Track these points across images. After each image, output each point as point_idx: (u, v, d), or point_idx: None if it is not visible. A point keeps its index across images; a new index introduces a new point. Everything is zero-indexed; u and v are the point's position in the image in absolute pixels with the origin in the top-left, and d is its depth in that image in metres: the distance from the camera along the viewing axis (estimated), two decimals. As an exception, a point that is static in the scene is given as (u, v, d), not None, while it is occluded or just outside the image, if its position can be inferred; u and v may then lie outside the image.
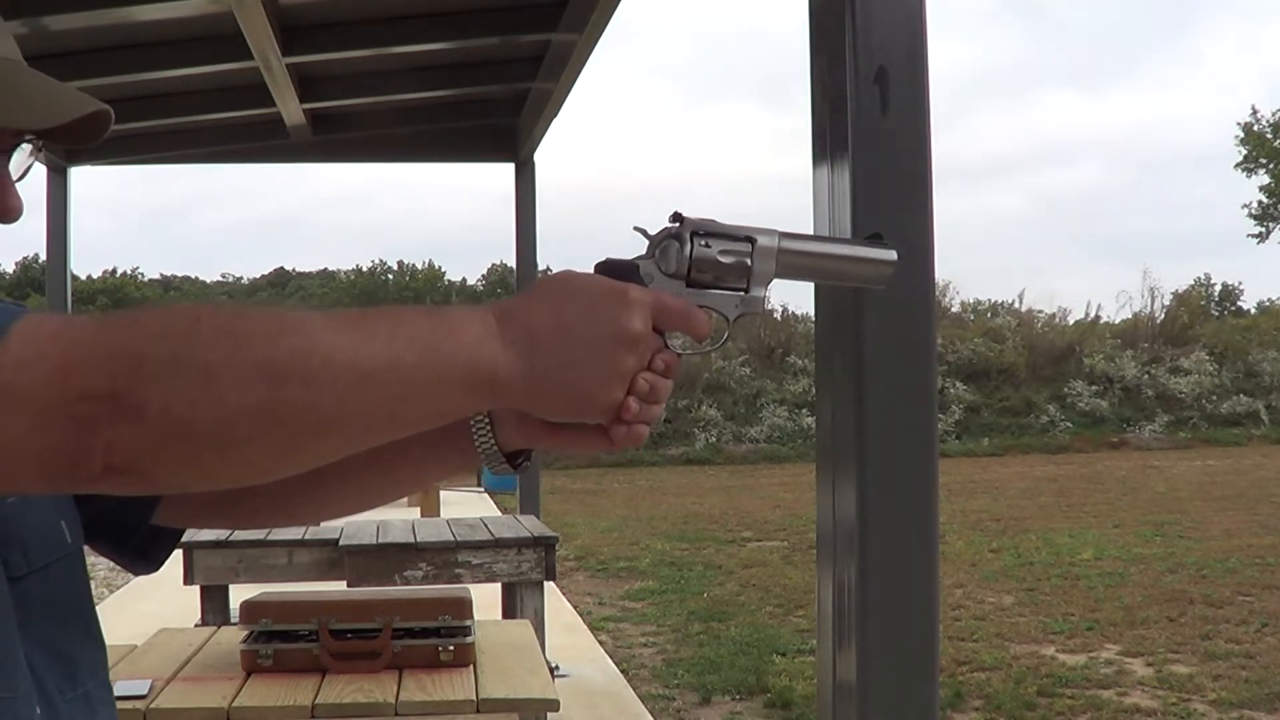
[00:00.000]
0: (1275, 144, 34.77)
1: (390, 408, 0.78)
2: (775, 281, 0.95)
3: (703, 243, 0.91)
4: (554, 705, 2.91)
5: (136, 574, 1.09)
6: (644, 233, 0.92)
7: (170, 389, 0.71)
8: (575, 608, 8.20)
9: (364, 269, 41.84)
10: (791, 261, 0.93)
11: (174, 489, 0.89)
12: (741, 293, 0.93)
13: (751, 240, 0.92)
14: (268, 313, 0.76)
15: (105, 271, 39.33)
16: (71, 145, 1.03)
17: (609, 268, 0.90)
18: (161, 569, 1.14)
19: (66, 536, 1.00)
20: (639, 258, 0.92)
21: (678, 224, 0.92)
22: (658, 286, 0.90)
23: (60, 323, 0.74)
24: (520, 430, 0.97)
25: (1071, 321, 28.65)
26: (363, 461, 0.87)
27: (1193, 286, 35.09)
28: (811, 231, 1.58)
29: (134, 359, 0.71)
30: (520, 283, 7.35)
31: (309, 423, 0.75)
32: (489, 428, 0.97)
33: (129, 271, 40.64)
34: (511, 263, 7.67)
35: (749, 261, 0.92)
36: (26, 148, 0.99)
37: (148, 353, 0.72)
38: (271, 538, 4.82)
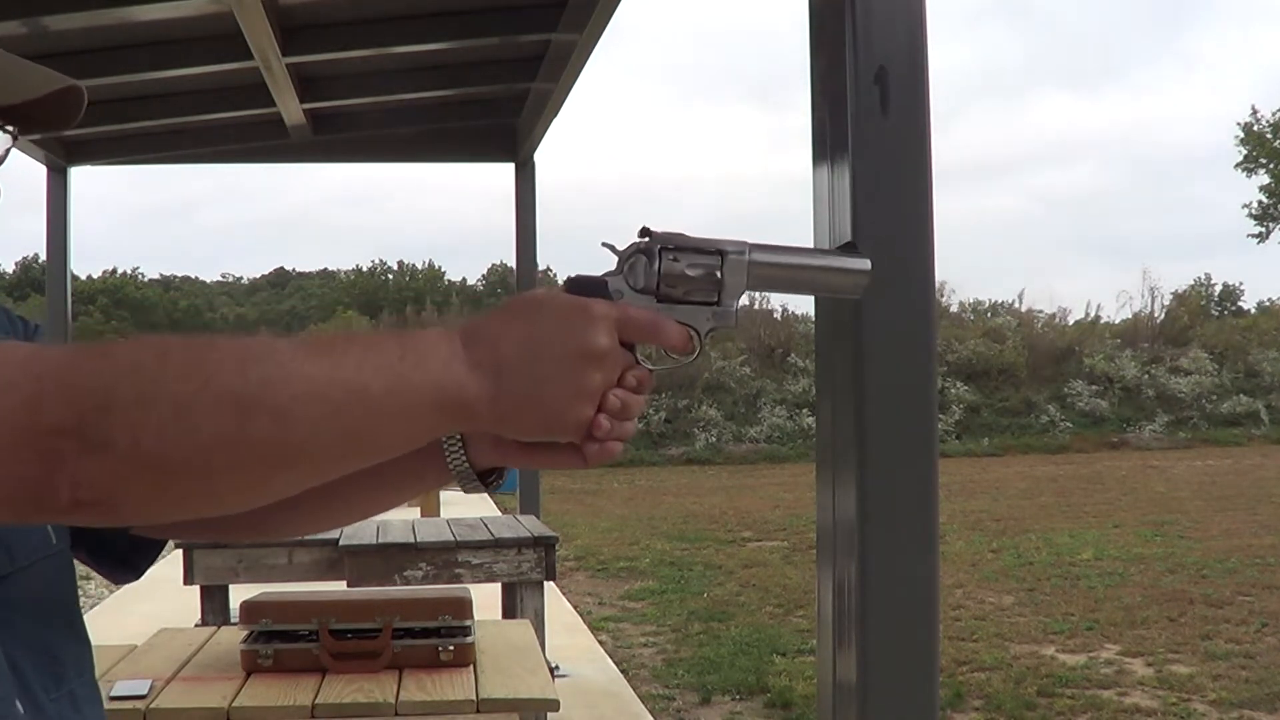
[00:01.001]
0: (1275, 144, 34.77)
1: (360, 436, 0.78)
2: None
3: (671, 257, 0.91)
4: (554, 705, 2.90)
5: (117, 582, 1.09)
6: (613, 249, 0.92)
7: (139, 423, 0.71)
8: (575, 608, 8.20)
9: (364, 269, 41.89)
10: (762, 273, 0.93)
11: (144, 521, 0.88)
12: (713, 306, 0.92)
13: (721, 253, 0.92)
14: (236, 343, 0.76)
15: (105, 271, 39.36)
16: (46, 128, 1.02)
17: (578, 285, 0.90)
18: (160, 571, 1.14)
19: (52, 537, 0.99)
20: (608, 274, 0.91)
21: (646, 239, 0.91)
22: (628, 303, 0.89)
23: (29, 353, 0.74)
24: (493, 449, 0.96)
25: (1071, 321, 28.71)
26: (340, 482, 0.86)
27: (1193, 286, 35.18)
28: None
29: (103, 394, 0.71)
30: (520, 282, 7.36)
31: (280, 455, 0.75)
32: (461, 447, 0.97)
33: (129, 271, 40.68)
34: (511, 263, 7.68)
35: (719, 274, 0.91)
36: (4, 136, 0.99)
37: (116, 387, 0.71)
38: (271, 538, 4.82)
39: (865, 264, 0.96)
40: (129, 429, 0.71)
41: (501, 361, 0.81)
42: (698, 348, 0.92)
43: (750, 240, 0.93)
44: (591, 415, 0.85)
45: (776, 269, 0.94)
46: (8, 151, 1.01)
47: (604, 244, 0.92)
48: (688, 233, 0.92)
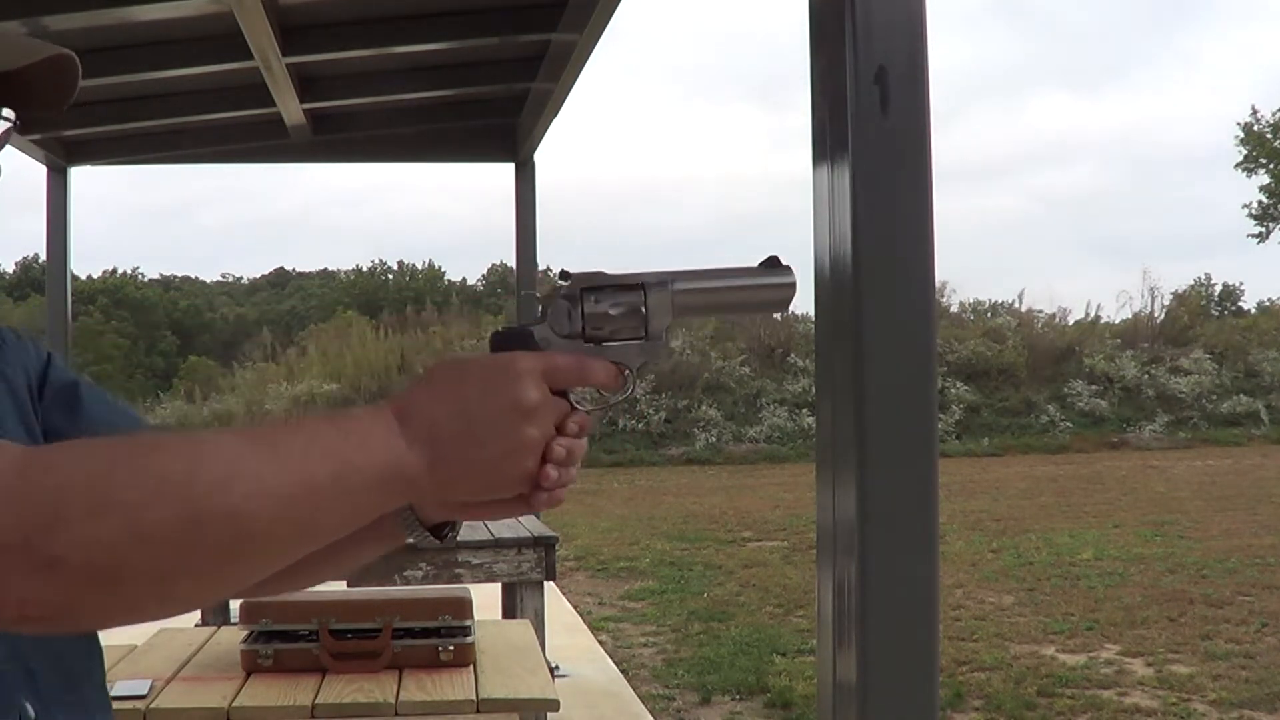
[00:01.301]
0: (1275, 144, 34.77)
1: (310, 524, 0.79)
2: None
3: (593, 299, 0.92)
4: (554, 705, 2.90)
5: None
6: (535, 298, 0.93)
7: (90, 537, 0.70)
8: (575, 608, 8.20)
9: (364, 269, 41.88)
10: (687, 301, 0.94)
11: (98, 629, 0.89)
12: (640, 341, 0.93)
13: (644, 287, 0.93)
14: (182, 444, 0.76)
15: (105, 271, 39.33)
16: (43, 103, 1.01)
17: (504, 339, 0.91)
18: None
19: None
20: (532, 324, 0.92)
21: (567, 283, 0.92)
22: (557, 349, 0.90)
23: None
24: (441, 505, 0.97)
25: (1071, 321, 28.66)
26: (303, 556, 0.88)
27: (1193, 286, 35.12)
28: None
29: (50, 509, 0.70)
30: (520, 282, 7.35)
31: (233, 553, 0.76)
32: (409, 506, 0.98)
33: (129, 271, 40.64)
34: (511, 263, 7.67)
35: (643, 309, 0.92)
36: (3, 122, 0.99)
37: (64, 501, 0.71)
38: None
39: (791, 278, 0.97)
40: (81, 545, 0.70)
41: (436, 432, 0.82)
42: (631, 384, 0.93)
43: (676, 268, 0.94)
44: (533, 468, 0.86)
45: (700, 295, 0.95)
46: (8, 134, 1.00)
47: (525, 293, 0.93)
48: (607, 270, 0.93)
